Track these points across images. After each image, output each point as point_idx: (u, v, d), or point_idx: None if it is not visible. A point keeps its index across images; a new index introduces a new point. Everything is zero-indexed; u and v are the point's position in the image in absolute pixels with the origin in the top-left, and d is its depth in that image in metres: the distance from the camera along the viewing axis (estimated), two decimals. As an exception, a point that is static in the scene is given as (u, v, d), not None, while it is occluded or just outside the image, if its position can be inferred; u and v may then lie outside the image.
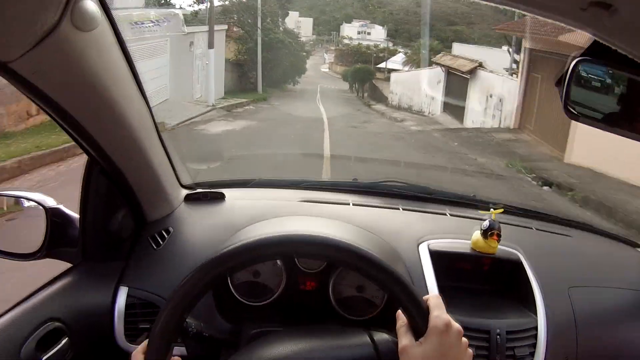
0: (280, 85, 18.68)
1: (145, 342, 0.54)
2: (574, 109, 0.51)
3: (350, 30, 29.24)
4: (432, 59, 15.27)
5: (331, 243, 0.54)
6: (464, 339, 0.53)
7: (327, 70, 29.12)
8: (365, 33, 27.74)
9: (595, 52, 0.46)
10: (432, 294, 0.60)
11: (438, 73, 13.52)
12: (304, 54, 21.89)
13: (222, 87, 13.70)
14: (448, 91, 12.98)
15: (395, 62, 21.26)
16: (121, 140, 0.71)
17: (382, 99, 18.24)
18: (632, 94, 0.48)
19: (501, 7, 0.41)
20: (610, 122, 0.50)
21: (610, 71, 0.48)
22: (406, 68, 19.03)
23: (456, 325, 0.53)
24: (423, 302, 0.54)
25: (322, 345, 0.58)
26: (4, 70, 0.49)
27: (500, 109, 9.90)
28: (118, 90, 0.64)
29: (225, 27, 15.44)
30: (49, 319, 0.70)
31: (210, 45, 11.39)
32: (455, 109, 12.22)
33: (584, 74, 0.49)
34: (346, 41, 27.40)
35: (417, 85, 14.93)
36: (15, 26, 0.44)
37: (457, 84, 12.14)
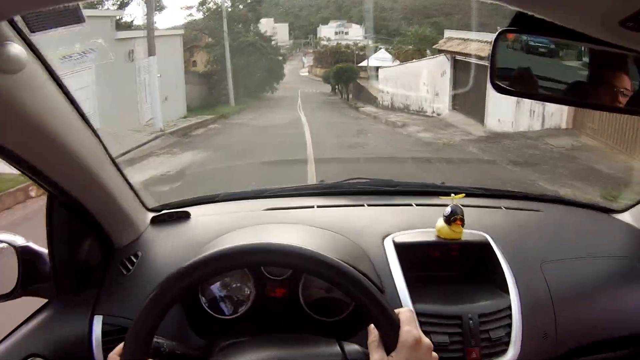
0: (257, 94, 20.89)
1: (121, 345, 0.72)
2: (500, 83, 0.67)
3: (327, 32, 33.76)
4: (434, 47, 15.78)
5: (296, 252, 0.70)
6: (434, 354, 0.68)
7: (307, 74, 32.36)
8: (343, 33, 32.31)
9: (519, 23, 0.58)
10: (404, 307, 0.75)
11: (442, 62, 13.58)
12: (280, 58, 24.13)
13: (182, 103, 14.10)
14: (457, 83, 12.83)
15: (378, 58, 23.02)
16: (73, 173, 0.91)
17: (370, 99, 19.51)
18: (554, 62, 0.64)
19: None
20: (531, 90, 0.67)
21: (533, 41, 0.64)
22: (395, 63, 20.30)
23: (426, 340, 0.67)
24: (394, 316, 0.68)
25: (291, 354, 0.77)
26: None
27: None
28: (60, 125, 0.81)
29: (182, 31, 16.23)
30: (29, 355, 0.93)
31: (151, 51, 11.11)
32: (470, 106, 11.95)
33: (508, 46, 0.65)
34: (324, 42, 31.13)
35: (413, 80, 15.54)
36: None
37: (470, 73, 11.93)
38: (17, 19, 0.66)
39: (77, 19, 0.66)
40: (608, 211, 1.38)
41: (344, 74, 22.20)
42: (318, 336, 0.86)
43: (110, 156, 1.02)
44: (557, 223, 1.32)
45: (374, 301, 0.70)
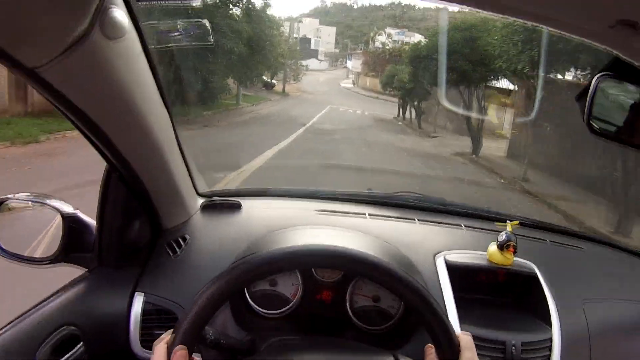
0: (203, 107, 12.38)
1: (168, 332, 0.76)
2: (596, 125, 0.74)
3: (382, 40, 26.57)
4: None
5: (377, 264, 0.78)
6: None
7: (351, 85, 25.94)
8: (402, 43, 23.84)
9: (617, 69, 0.65)
10: (464, 332, 0.83)
11: None
12: (273, 31, 14.83)
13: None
14: None
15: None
16: (142, 148, 0.99)
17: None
18: None
19: (529, 24, 0.58)
20: (628, 138, 0.72)
21: (631, 88, 0.70)
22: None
23: None
24: (456, 340, 0.76)
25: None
26: (32, 76, 0.68)
27: None
28: (143, 99, 0.88)
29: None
30: (64, 324, 1.00)
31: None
32: None
33: (605, 90, 0.71)
34: (382, 40, 23.26)
35: None
36: (46, 33, 0.62)
37: None
38: None
39: None
40: None
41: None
42: (370, 346, 0.93)
43: (177, 136, 1.10)
44: (598, 263, 1.45)
45: (440, 322, 0.77)
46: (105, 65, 0.75)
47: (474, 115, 11.69)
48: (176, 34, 1.06)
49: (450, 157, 10.86)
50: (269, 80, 20.03)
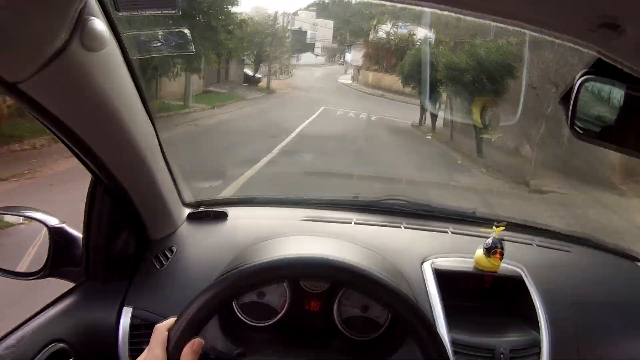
0: None
1: (171, 319, 0.79)
2: (580, 128, 0.74)
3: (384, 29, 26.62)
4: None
5: (369, 277, 0.81)
6: None
7: (350, 81, 22.86)
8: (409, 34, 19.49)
9: (599, 67, 0.65)
10: None
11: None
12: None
13: None
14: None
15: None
16: (127, 159, 1.00)
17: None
18: (636, 110, 0.68)
19: (511, 28, 0.57)
20: (612, 138, 0.73)
21: (615, 88, 0.69)
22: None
23: None
24: None
25: None
26: (14, 91, 0.69)
27: None
28: (125, 110, 0.89)
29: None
30: (53, 340, 1.00)
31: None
32: None
33: (589, 90, 0.71)
34: (387, 29, 19.55)
35: None
36: (25, 47, 0.63)
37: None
38: None
39: (172, 4, 0.70)
40: (634, 259, 1.53)
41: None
42: (357, 356, 0.95)
43: (161, 147, 1.11)
44: (586, 265, 1.49)
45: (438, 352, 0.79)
46: (87, 76, 0.76)
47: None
48: (157, 43, 1.07)
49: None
50: (251, 73, 18.15)
